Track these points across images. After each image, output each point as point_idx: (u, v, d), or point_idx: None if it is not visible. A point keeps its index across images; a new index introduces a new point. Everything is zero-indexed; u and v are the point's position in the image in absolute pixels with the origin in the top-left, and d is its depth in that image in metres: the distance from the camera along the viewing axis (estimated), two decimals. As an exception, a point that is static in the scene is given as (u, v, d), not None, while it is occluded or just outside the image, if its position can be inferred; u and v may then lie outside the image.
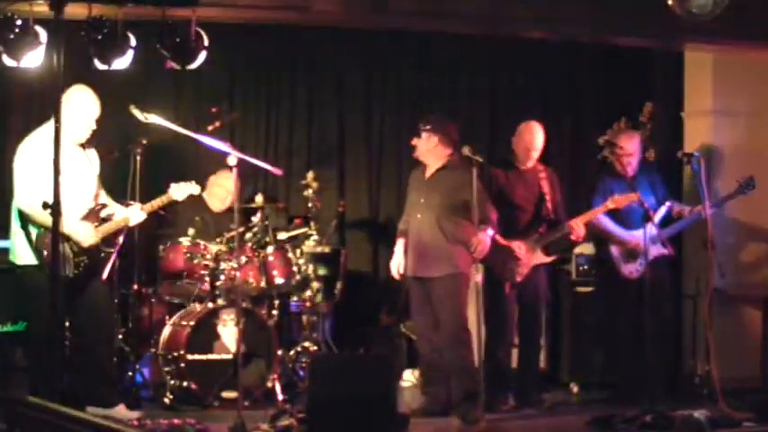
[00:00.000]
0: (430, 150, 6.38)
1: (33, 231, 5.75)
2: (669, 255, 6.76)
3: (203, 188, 7.36)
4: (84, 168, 6.00)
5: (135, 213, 6.12)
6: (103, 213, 6.06)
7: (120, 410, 5.91)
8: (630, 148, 6.86)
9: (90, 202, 6.03)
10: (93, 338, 6.00)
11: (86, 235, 5.86)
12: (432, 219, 6.30)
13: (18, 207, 5.80)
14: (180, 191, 6.32)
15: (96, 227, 5.97)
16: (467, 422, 6.06)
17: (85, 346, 6.04)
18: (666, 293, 6.97)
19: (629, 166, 6.81)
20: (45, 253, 5.64)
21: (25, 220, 5.78)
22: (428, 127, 6.38)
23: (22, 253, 5.83)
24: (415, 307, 6.47)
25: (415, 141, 6.44)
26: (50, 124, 5.80)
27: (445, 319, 6.25)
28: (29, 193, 5.69)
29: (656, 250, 6.71)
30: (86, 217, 5.96)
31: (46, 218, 5.51)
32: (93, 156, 6.13)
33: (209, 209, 7.35)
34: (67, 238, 5.74)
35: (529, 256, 6.58)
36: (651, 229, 6.47)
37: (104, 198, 6.17)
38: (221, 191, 7.34)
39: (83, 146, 6.04)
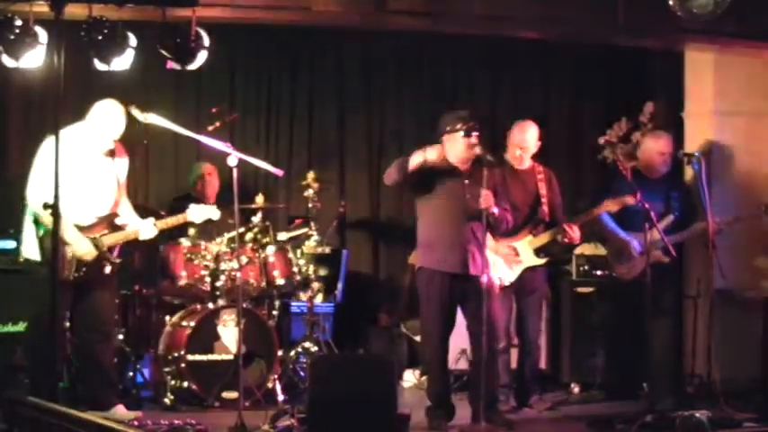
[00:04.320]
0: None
1: (41, 229, 5.78)
2: (670, 260, 6.65)
3: (199, 186, 7.37)
4: (104, 178, 6.00)
5: (147, 228, 6.11)
6: (117, 222, 6.06)
7: (120, 410, 5.92)
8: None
9: (104, 211, 6.01)
10: (93, 340, 6.00)
11: (83, 250, 5.85)
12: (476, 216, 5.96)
13: (26, 203, 5.82)
14: (198, 213, 6.30)
15: (106, 234, 5.97)
16: (493, 422, 5.90)
17: (85, 349, 6.04)
18: (668, 297, 6.91)
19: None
20: (47, 251, 5.64)
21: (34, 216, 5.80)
22: (479, 126, 6.04)
23: (28, 247, 5.85)
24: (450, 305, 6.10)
25: (478, 141, 5.99)
26: (74, 128, 5.84)
27: (483, 317, 5.83)
28: (36, 192, 5.71)
29: (657, 255, 6.61)
30: (96, 224, 5.96)
31: (48, 218, 5.54)
32: (121, 164, 6.12)
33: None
34: (67, 243, 5.76)
35: (517, 258, 6.51)
36: (654, 233, 6.42)
37: (126, 206, 6.18)
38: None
39: (112, 154, 6.04)
